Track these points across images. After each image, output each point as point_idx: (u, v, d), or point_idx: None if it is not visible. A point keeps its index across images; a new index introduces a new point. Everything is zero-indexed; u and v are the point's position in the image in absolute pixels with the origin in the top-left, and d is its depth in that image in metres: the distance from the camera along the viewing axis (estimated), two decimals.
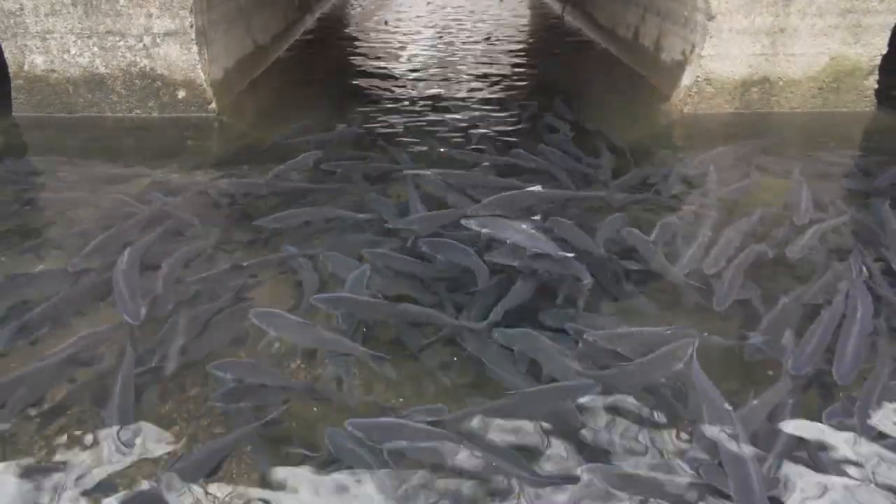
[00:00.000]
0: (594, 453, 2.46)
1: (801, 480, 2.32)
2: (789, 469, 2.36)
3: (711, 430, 2.46)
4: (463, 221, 3.75)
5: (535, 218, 3.89)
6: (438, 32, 10.77)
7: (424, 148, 5.45)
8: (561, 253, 3.43)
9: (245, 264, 3.58)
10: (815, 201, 4.21)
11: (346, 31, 11.19)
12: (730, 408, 2.53)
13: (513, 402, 2.66)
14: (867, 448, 2.46)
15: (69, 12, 5.60)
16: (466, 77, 7.93)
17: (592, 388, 2.71)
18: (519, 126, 6.04)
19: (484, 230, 3.65)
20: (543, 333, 3.01)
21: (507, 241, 3.54)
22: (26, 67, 5.80)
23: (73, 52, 5.75)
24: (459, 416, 2.59)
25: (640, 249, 3.69)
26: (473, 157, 5.10)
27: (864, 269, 3.40)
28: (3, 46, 5.72)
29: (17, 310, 3.19)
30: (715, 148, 5.21)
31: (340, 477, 2.35)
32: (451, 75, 8.03)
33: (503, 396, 2.69)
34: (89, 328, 3.07)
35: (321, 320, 3.14)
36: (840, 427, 2.53)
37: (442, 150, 5.30)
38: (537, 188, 4.24)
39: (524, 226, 3.65)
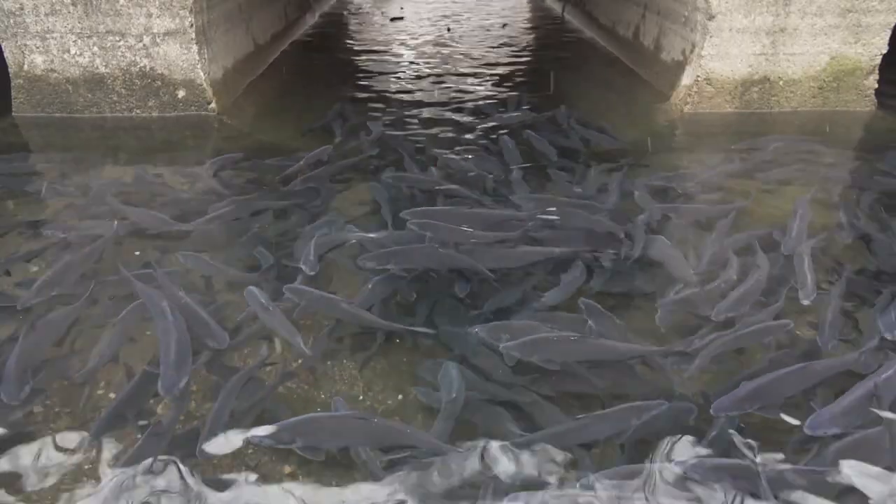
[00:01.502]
0: None
1: None
2: None
3: None
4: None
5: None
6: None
7: (424, 148, 5.43)
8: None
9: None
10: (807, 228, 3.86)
11: (348, 29, 11.19)
12: None
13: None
14: None
15: (69, 12, 5.60)
16: (466, 76, 7.94)
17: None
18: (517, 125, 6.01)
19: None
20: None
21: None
22: (26, 67, 5.80)
23: (73, 51, 5.75)
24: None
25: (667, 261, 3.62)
26: (460, 163, 4.97)
27: None
28: (3, 46, 5.72)
29: None
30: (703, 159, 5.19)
31: None
32: (451, 74, 8.03)
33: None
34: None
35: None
36: None
37: (439, 152, 5.27)
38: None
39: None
